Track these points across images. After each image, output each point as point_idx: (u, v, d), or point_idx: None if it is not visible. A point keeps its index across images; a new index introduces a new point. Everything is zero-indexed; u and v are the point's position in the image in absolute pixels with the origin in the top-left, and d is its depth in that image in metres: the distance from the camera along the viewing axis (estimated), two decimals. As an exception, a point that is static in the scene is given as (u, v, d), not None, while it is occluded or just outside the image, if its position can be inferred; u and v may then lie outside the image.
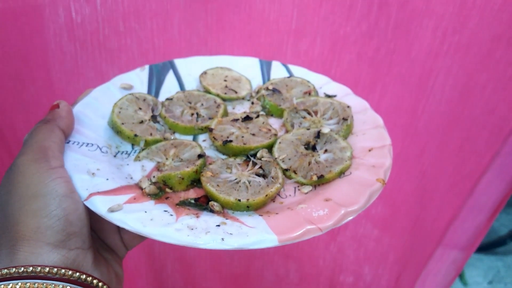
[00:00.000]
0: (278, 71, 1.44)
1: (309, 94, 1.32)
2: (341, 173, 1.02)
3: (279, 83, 1.37)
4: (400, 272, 2.36)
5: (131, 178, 0.99)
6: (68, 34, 1.52)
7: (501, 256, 2.36)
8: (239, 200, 0.90)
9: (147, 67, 1.37)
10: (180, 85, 1.36)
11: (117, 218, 0.81)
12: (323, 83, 1.38)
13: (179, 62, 1.42)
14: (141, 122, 1.14)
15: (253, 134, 1.11)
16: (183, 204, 0.92)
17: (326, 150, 1.09)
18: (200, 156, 1.02)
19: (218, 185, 0.94)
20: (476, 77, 1.64)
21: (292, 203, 0.94)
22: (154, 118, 1.19)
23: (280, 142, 1.10)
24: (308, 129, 1.15)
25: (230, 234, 0.80)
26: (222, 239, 0.78)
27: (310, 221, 0.83)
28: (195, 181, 0.99)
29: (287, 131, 1.19)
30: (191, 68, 1.40)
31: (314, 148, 1.10)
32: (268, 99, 1.28)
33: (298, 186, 1.01)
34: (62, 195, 0.79)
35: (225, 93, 1.28)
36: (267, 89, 1.33)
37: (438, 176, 1.94)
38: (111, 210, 0.82)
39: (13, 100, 1.57)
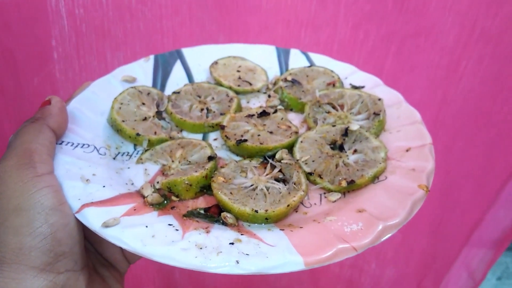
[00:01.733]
0: (297, 60, 1.30)
1: (333, 85, 1.17)
2: (375, 178, 0.87)
3: (299, 73, 1.22)
4: (424, 274, 2.21)
5: (132, 184, 0.86)
6: (68, 21, 1.40)
7: (509, 252, 2.21)
8: (256, 211, 0.76)
9: (152, 57, 1.24)
10: (188, 76, 1.23)
11: (112, 235, 0.68)
12: (348, 73, 1.23)
13: (187, 52, 1.29)
14: (145, 119, 1.01)
15: (271, 132, 0.97)
16: (191, 215, 0.79)
17: (355, 151, 0.94)
18: (210, 158, 0.88)
19: (231, 193, 0.81)
20: (509, 69, 1.47)
21: (318, 214, 0.80)
22: (159, 114, 1.06)
23: (301, 141, 0.96)
24: (333, 125, 1.01)
25: (246, 255, 0.66)
26: (237, 261, 0.64)
27: (342, 238, 0.69)
28: (205, 188, 0.85)
29: (309, 128, 1.05)
30: (201, 58, 1.27)
31: (341, 148, 0.96)
32: (286, 91, 1.14)
33: (325, 193, 0.87)
34: (49, 208, 0.67)
35: (239, 85, 1.14)
36: (286, 80, 1.19)
37: (465, 174, 1.78)
38: (106, 225, 0.69)
39: (10, 95, 1.46)
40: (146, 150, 0.95)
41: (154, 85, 1.18)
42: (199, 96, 1.13)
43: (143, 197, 0.83)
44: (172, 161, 0.92)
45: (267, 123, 1.02)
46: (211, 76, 1.20)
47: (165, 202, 0.83)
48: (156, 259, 0.66)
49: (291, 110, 1.15)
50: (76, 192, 0.77)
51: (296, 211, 0.83)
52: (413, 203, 0.78)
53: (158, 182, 0.86)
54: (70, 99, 1.03)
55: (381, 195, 0.82)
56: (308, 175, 0.89)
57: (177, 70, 1.24)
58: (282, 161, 0.91)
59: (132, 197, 0.81)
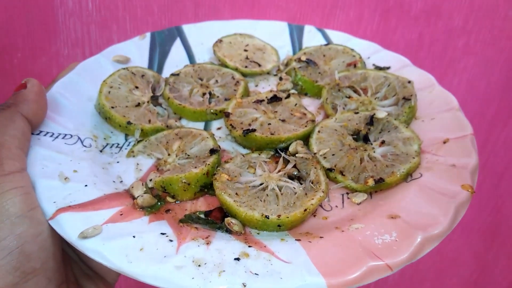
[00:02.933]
0: (312, 38, 1.15)
1: (355, 66, 1.02)
2: (408, 176, 0.73)
3: (315, 52, 1.08)
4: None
5: (121, 181, 0.73)
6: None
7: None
8: (267, 217, 0.63)
9: (148, 34, 1.10)
10: (189, 57, 1.09)
11: (91, 248, 0.56)
12: (371, 52, 1.08)
13: (188, 29, 1.15)
14: (138, 105, 0.88)
15: (283, 120, 0.83)
16: (189, 220, 0.66)
17: (383, 142, 0.80)
18: (212, 151, 0.75)
19: (237, 194, 0.68)
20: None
21: (341, 220, 0.67)
22: (154, 99, 0.93)
23: (319, 131, 0.82)
24: (356, 112, 0.86)
25: (255, 274, 0.53)
26: (244, 285, 0.51)
27: (373, 253, 0.56)
28: (206, 187, 0.72)
29: (327, 116, 0.91)
30: (203, 36, 1.13)
31: (366, 139, 0.82)
32: (301, 73, 0.99)
33: (348, 194, 0.74)
34: (17, 215, 0.56)
35: (246, 67, 1.00)
36: (299, 60, 1.04)
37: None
38: (84, 236, 0.57)
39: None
40: (138, 141, 0.82)
41: (150, 66, 1.05)
42: (201, 79, 0.99)
43: (133, 198, 0.70)
44: (169, 155, 0.79)
45: (278, 110, 0.88)
46: (215, 56, 1.06)
47: (159, 204, 0.70)
48: (144, 280, 0.54)
49: (306, 94, 1.01)
50: (52, 193, 0.64)
51: (314, 216, 0.70)
52: (457, 208, 0.64)
53: (151, 180, 0.73)
54: (53, 83, 0.90)
55: (417, 197, 0.68)
56: (328, 171, 0.75)
57: (177, 50, 1.11)
58: (296, 155, 0.77)
59: (119, 199, 0.69)
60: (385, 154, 0.79)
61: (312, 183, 0.72)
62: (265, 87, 1.03)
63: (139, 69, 0.97)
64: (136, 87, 0.92)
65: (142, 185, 0.72)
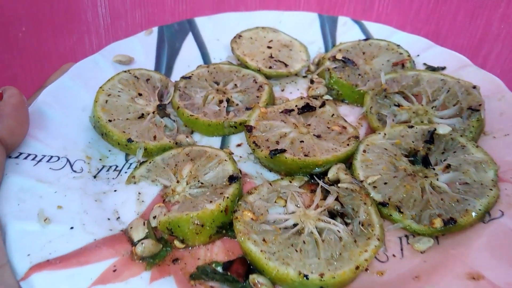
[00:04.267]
0: (348, 31, 0.98)
1: (402, 66, 0.84)
2: (485, 214, 0.56)
3: (352, 49, 0.90)
4: None
5: (118, 218, 0.58)
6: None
7: None
8: (306, 277, 0.47)
9: (155, 29, 0.95)
10: (203, 55, 0.94)
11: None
12: (421, 49, 0.90)
13: (201, 22, 0.99)
14: (141, 116, 0.72)
15: (318, 136, 0.67)
16: (203, 275, 0.51)
17: (448, 167, 0.62)
18: (232, 179, 0.59)
19: (264, 240, 0.52)
20: None
21: (403, 278, 0.51)
22: (161, 109, 0.77)
23: (365, 151, 0.65)
24: (410, 126, 0.69)
25: None
26: None
27: None
28: (225, 227, 0.56)
29: (372, 129, 0.74)
30: (219, 30, 0.97)
31: (426, 162, 0.64)
32: (336, 75, 0.82)
33: (407, 237, 0.57)
34: None
35: (270, 67, 0.84)
36: (334, 59, 0.87)
37: None
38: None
39: None
40: (141, 163, 0.67)
41: (158, 67, 0.89)
42: (217, 83, 0.83)
43: (132, 243, 0.55)
44: (177, 182, 0.63)
45: (312, 122, 0.72)
46: (233, 55, 0.90)
47: (165, 250, 0.55)
48: None
49: (343, 101, 0.83)
50: (27, 241, 0.50)
51: (366, 270, 0.53)
52: None
53: (155, 218, 0.57)
54: (40, 89, 0.75)
55: (502, 246, 0.51)
56: (380, 206, 0.58)
57: (188, 47, 0.95)
58: (339, 184, 0.60)
59: (113, 245, 0.54)
60: (452, 182, 0.62)
61: (362, 225, 0.55)
62: (293, 92, 0.86)
63: (144, 72, 0.81)
64: (140, 94, 0.77)
65: (144, 224, 0.57)
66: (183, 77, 0.83)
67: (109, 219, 0.59)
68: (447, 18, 1.17)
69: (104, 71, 0.82)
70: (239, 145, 0.74)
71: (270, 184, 0.62)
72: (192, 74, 0.84)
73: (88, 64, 0.82)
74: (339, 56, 0.87)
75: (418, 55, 0.90)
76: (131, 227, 0.57)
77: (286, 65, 0.89)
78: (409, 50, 0.88)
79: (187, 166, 0.65)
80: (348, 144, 0.67)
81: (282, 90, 0.87)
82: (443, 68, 0.85)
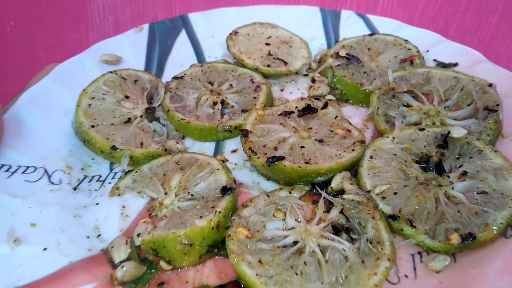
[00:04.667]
0: (351, 26, 0.92)
1: (411, 62, 0.78)
2: (507, 228, 0.50)
3: (356, 45, 0.84)
4: None
5: (99, 235, 0.53)
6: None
7: None
8: (308, 306, 0.41)
9: (146, 26, 0.89)
10: (196, 54, 0.88)
11: None
12: (430, 43, 0.84)
13: (195, 18, 0.93)
14: (128, 121, 0.67)
15: (321, 141, 0.61)
16: (192, 302, 0.45)
17: (464, 174, 0.56)
18: (226, 190, 0.53)
19: (260, 262, 0.46)
20: None
21: (418, 303, 0.44)
22: (150, 112, 0.71)
23: (372, 157, 0.59)
24: (421, 129, 0.63)
25: None
26: None
27: None
28: (217, 245, 0.50)
29: (379, 132, 0.68)
30: (214, 26, 0.91)
31: (439, 169, 0.59)
32: (340, 73, 0.76)
33: (420, 254, 0.51)
34: None
35: (268, 65, 0.78)
36: (337, 56, 0.81)
37: None
38: None
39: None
40: (126, 173, 0.61)
41: (148, 67, 0.83)
42: (211, 83, 0.77)
43: (112, 265, 0.49)
44: (165, 193, 0.57)
45: (313, 125, 0.66)
46: (229, 53, 0.84)
47: (149, 273, 0.49)
48: None
49: (347, 101, 0.77)
50: (-8, 265, 0.44)
51: (376, 293, 0.47)
52: None
53: (139, 236, 0.51)
54: (19, 94, 0.70)
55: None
56: (390, 220, 0.52)
57: (181, 45, 0.89)
58: (344, 196, 0.54)
59: (91, 268, 0.48)
60: (469, 191, 0.56)
61: (370, 242, 0.49)
62: (294, 92, 0.80)
63: (132, 72, 0.75)
64: (127, 97, 0.71)
65: (126, 243, 0.51)
66: (175, 77, 0.78)
67: (88, 237, 0.54)
68: (456, 14, 1.10)
69: (90, 72, 0.76)
70: (234, 151, 0.68)
71: (268, 196, 0.56)
72: (185, 74, 0.78)
73: (72, 65, 0.77)
74: (343, 53, 0.81)
75: (427, 51, 0.83)
76: (112, 247, 0.51)
77: (285, 63, 0.83)
78: (418, 45, 0.82)
79: (176, 176, 0.59)
80: (353, 150, 0.61)
81: (282, 90, 0.81)
82: (455, 65, 0.79)
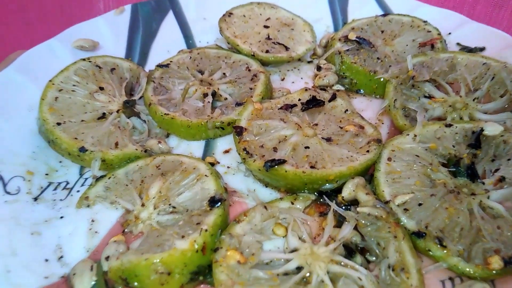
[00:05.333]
0: (362, 7, 0.84)
1: (432, 46, 0.68)
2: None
3: (368, 27, 0.74)
4: None
5: (61, 257, 0.44)
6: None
7: None
8: None
9: (128, 7, 0.79)
10: (186, 38, 0.80)
11: None
12: (453, 25, 0.75)
13: (184, -3, 0.82)
14: (102, 117, 0.57)
15: (328, 140, 0.51)
16: None
17: (502, 180, 0.46)
18: (214, 201, 0.43)
19: (256, 293, 0.36)
20: None
21: None
22: (129, 107, 0.62)
23: (390, 159, 0.49)
24: (448, 125, 0.52)
25: None
26: None
27: None
28: (202, 272, 0.41)
29: (396, 128, 0.57)
30: (206, 7, 0.83)
31: (472, 174, 0.48)
32: (349, 59, 0.67)
33: (451, 279, 0.41)
34: None
35: (267, 51, 0.68)
36: (346, 39, 0.71)
37: None
38: None
39: None
40: (97, 179, 0.51)
41: (129, 54, 0.74)
42: (201, 72, 0.67)
43: (73, 296, 0.39)
44: (143, 205, 0.47)
45: (320, 120, 0.56)
46: (222, 37, 0.73)
47: (119, 307, 0.39)
48: None
49: (358, 92, 0.67)
50: None
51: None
52: None
53: (108, 260, 0.42)
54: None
55: None
56: (415, 238, 0.43)
57: (168, 28, 0.80)
58: (358, 208, 0.44)
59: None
60: (508, 199, 0.46)
61: (392, 270, 0.39)
62: (296, 81, 0.70)
63: (109, 60, 0.66)
64: (101, 89, 0.61)
65: (92, 269, 0.42)
66: (159, 66, 0.68)
67: (47, 260, 0.44)
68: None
69: (62, 60, 0.67)
70: (227, 152, 0.59)
71: (265, 208, 0.46)
72: (171, 62, 0.69)
73: (41, 52, 0.67)
74: (352, 36, 0.71)
75: (449, 33, 0.73)
76: (74, 273, 0.42)
77: (286, 48, 0.73)
78: (439, 27, 0.72)
79: (156, 184, 0.50)
80: (367, 151, 0.51)
81: (282, 80, 0.71)
82: (482, 49, 0.69)
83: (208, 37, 0.79)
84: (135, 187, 0.51)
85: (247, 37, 0.74)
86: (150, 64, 0.73)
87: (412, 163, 0.51)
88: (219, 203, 0.46)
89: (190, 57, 0.70)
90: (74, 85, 0.60)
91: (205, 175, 0.49)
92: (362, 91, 0.68)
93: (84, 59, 0.64)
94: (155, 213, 0.47)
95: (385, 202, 0.47)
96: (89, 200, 0.51)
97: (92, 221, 0.49)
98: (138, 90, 0.65)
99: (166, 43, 0.77)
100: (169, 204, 0.47)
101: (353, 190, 0.48)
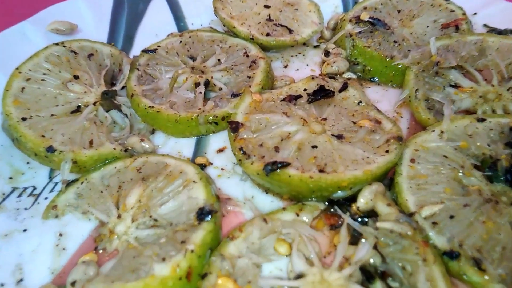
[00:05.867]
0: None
1: (456, 28, 0.59)
2: None
3: (382, 7, 0.66)
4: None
5: (19, 281, 0.36)
6: None
7: None
8: None
9: (111, -14, 0.69)
10: (176, 20, 0.73)
11: None
12: (479, 4, 0.65)
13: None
14: (76, 110, 0.49)
15: (339, 137, 0.43)
16: None
17: (550, 186, 0.38)
18: (203, 214, 0.35)
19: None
20: None
21: None
22: (108, 98, 0.53)
23: (413, 161, 0.40)
24: (481, 119, 0.44)
25: None
26: None
27: None
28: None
29: (419, 123, 0.49)
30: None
31: (511, 177, 0.40)
32: (362, 43, 0.59)
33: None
34: None
35: (268, 34, 0.60)
36: (358, 20, 0.62)
37: None
38: None
39: None
40: (68, 185, 0.43)
41: (113, 38, 0.67)
42: (193, 58, 0.58)
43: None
44: (119, 217, 0.40)
45: (329, 114, 0.48)
46: (217, 18, 0.65)
47: None
48: None
49: (372, 80, 0.59)
50: None
51: None
52: None
53: (74, 286, 0.34)
54: None
55: None
56: (447, 259, 0.35)
57: (157, 9, 0.73)
58: (378, 224, 0.36)
59: None
60: (559, 211, 0.38)
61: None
62: (301, 68, 0.62)
63: (86, 45, 0.58)
64: (76, 77, 0.53)
65: (54, 301, 0.34)
66: (145, 51, 0.60)
67: (3, 285, 0.37)
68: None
69: (34, 45, 0.59)
70: (221, 151, 0.51)
71: (265, 220, 0.38)
72: (159, 46, 0.61)
73: (12, 36, 0.60)
74: (365, 17, 0.63)
75: (475, 14, 0.65)
76: (32, 303, 0.34)
77: (290, 31, 0.65)
78: (463, 6, 0.63)
79: (135, 191, 0.42)
80: (387, 151, 0.43)
81: (285, 67, 0.63)
82: (514, 30, 0.60)
83: (202, 19, 0.71)
84: (111, 194, 0.43)
85: (245, 18, 0.66)
86: (136, 50, 0.65)
87: (439, 165, 0.43)
88: (209, 216, 0.38)
89: (181, 41, 0.62)
90: (44, 74, 0.52)
91: (193, 181, 0.41)
92: (376, 79, 0.60)
93: (57, 44, 0.56)
94: (133, 227, 0.40)
95: (409, 214, 0.39)
96: (57, 210, 0.43)
97: (60, 235, 0.42)
98: (120, 79, 0.57)
99: (154, 25, 0.69)
100: (150, 216, 0.40)
101: (371, 199, 0.40)
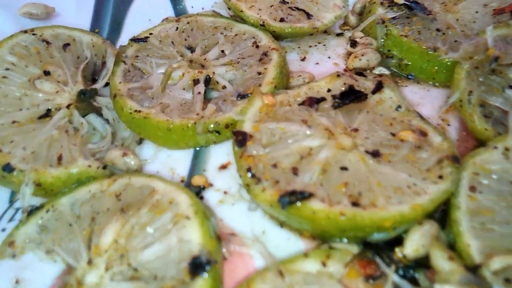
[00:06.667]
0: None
1: (511, 13, 0.48)
2: None
3: (421, -13, 0.54)
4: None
5: None
6: None
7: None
8: None
9: (97, -38, 0.60)
10: (173, 2, 0.65)
11: None
12: None
13: None
14: (45, 115, 0.39)
15: (375, 154, 0.32)
16: None
17: None
18: (197, 266, 0.25)
19: None
20: None
21: None
22: (86, 99, 0.43)
23: (473, 188, 0.30)
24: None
25: None
26: None
27: None
28: None
29: (472, 134, 0.39)
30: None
31: None
32: (397, 31, 0.47)
33: None
34: None
35: (282, 20, 0.48)
36: (391, 3, 0.52)
37: None
38: None
39: None
40: (30, 213, 0.34)
41: (97, 24, 0.59)
42: (191, 49, 0.48)
43: None
44: (89, 262, 0.30)
45: (361, 122, 0.38)
46: (222, 0, 0.54)
47: None
48: None
49: (409, 77, 0.49)
50: None
51: None
52: None
53: None
54: None
55: None
56: None
57: None
58: (437, 285, 0.26)
59: None
60: None
61: None
62: (322, 62, 0.53)
63: (62, 32, 0.49)
64: (47, 73, 0.43)
65: None
66: (134, 40, 0.50)
67: None
68: None
69: (3, 33, 0.49)
70: (223, 167, 0.41)
71: (281, 274, 0.29)
72: (151, 34, 0.51)
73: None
74: (400, -1, 0.51)
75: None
76: None
77: (308, 16, 0.55)
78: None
79: (111, 227, 0.33)
80: (440, 176, 0.33)
81: (303, 60, 0.54)
82: None
83: (203, 1, 0.62)
84: (81, 228, 0.34)
85: (255, 1, 0.56)
86: (125, 38, 0.56)
87: (508, 195, 0.33)
88: (206, 268, 0.28)
89: (177, 28, 0.52)
90: (7, 69, 0.43)
91: (187, 217, 0.32)
92: (414, 75, 0.49)
93: (25, 31, 0.47)
94: (107, 278, 0.31)
95: (474, 267, 0.30)
96: (15, 248, 0.34)
97: (17, 282, 0.33)
98: (102, 74, 0.47)
99: (147, 9, 0.61)
100: (129, 264, 0.30)
101: (422, 245, 0.30)
